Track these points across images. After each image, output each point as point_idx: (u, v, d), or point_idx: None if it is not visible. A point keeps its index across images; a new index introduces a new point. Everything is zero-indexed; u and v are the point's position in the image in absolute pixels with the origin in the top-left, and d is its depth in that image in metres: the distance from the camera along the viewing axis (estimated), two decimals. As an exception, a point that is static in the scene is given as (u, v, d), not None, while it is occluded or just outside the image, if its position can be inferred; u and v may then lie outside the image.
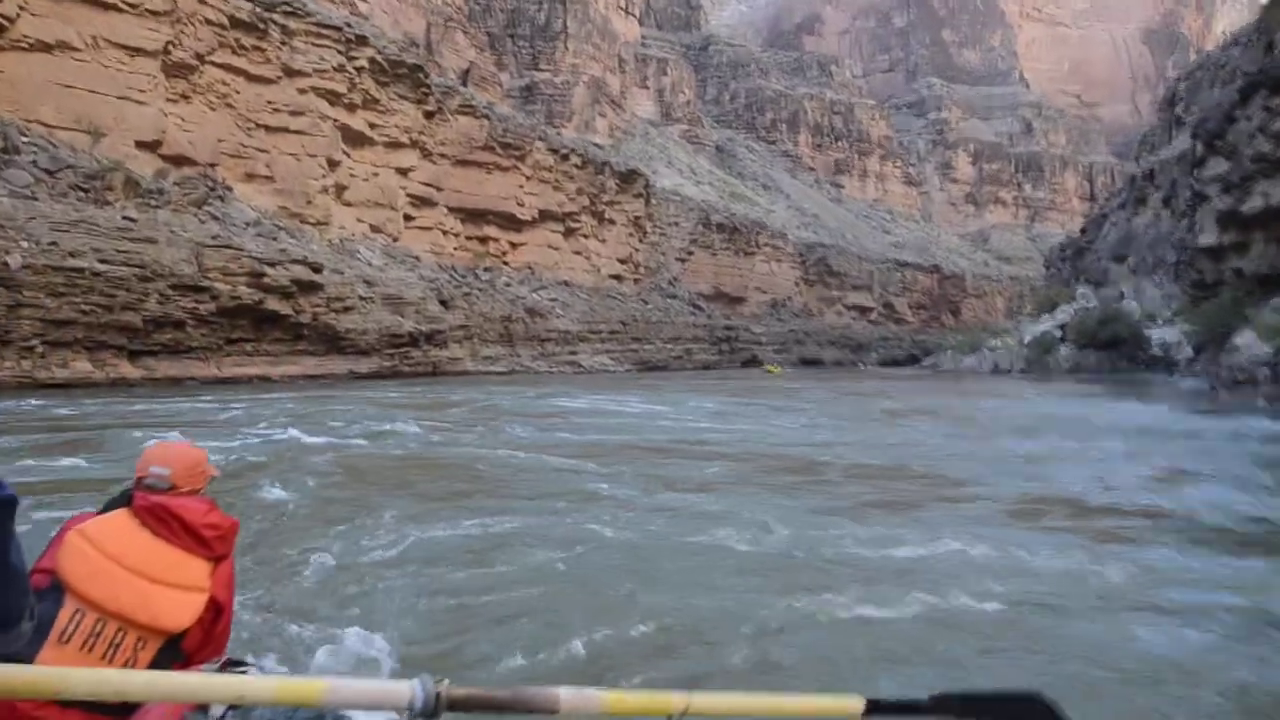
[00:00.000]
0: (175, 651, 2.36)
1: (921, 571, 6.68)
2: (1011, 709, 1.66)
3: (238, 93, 47.47)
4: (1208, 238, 49.31)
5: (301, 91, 50.28)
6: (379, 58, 55.44)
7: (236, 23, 46.88)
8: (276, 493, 9.82)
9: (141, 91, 42.37)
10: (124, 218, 34.51)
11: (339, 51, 52.49)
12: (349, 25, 54.61)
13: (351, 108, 53.56)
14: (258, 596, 5.81)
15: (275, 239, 41.23)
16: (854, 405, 28.08)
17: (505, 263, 67.14)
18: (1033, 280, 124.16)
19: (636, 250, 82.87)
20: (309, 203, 50.08)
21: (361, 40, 54.39)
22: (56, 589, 2.26)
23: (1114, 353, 57.94)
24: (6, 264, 28.44)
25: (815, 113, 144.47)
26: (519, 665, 4.82)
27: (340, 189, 52.98)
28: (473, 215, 64.92)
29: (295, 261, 39.32)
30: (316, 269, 40.28)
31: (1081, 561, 6.98)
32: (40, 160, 35.67)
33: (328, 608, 5.66)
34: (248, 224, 41.23)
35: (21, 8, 38.03)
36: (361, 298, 43.26)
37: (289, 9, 50.02)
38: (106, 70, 41.04)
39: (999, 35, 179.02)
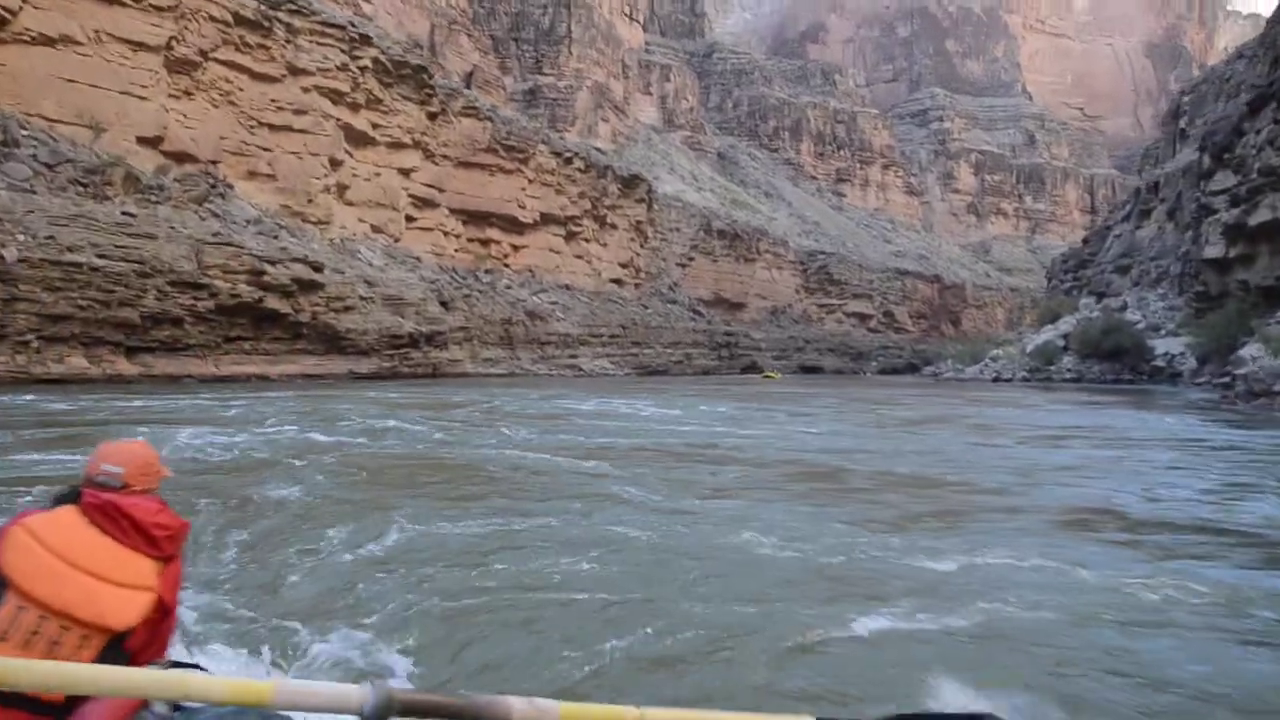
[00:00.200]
0: (118, 651, 2.30)
1: (967, 584, 6.32)
2: None
3: (241, 90, 47.18)
4: (1213, 250, 49.15)
5: (305, 90, 50.01)
6: (383, 58, 55.21)
7: (241, 20, 46.60)
8: (283, 491, 9.58)
9: (144, 87, 42.08)
10: (123, 213, 34.17)
11: (343, 51, 52.27)
12: (353, 25, 54.36)
13: (355, 107, 53.30)
14: (258, 594, 5.63)
15: (276, 237, 40.90)
16: (866, 412, 27.66)
17: (506, 265, 66.88)
18: (1033, 291, 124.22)
19: (637, 255, 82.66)
20: (310, 202, 49.79)
21: (365, 40, 54.15)
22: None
23: (1116, 363, 57.83)
24: (2, 257, 28.07)
25: (818, 121, 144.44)
26: (527, 672, 4.56)
27: (342, 188, 52.69)
28: (474, 217, 64.66)
29: (296, 260, 38.98)
30: (317, 268, 39.95)
31: (1139, 576, 6.60)
32: (40, 154, 35.34)
33: (330, 608, 5.48)
34: (249, 222, 40.91)
35: (24, 1, 37.72)
36: (362, 298, 42.93)
37: (293, 7, 49.76)
38: (109, 65, 40.76)
39: (1002, 46, 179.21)
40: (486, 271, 62.87)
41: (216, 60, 45.94)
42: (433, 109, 59.97)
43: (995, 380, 63.12)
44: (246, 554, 6.79)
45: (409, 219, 58.63)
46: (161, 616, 2.41)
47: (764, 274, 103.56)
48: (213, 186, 41.27)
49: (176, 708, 2.14)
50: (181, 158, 43.32)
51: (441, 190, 61.35)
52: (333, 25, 52.00)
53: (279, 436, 14.90)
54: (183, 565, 2.58)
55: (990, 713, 1.64)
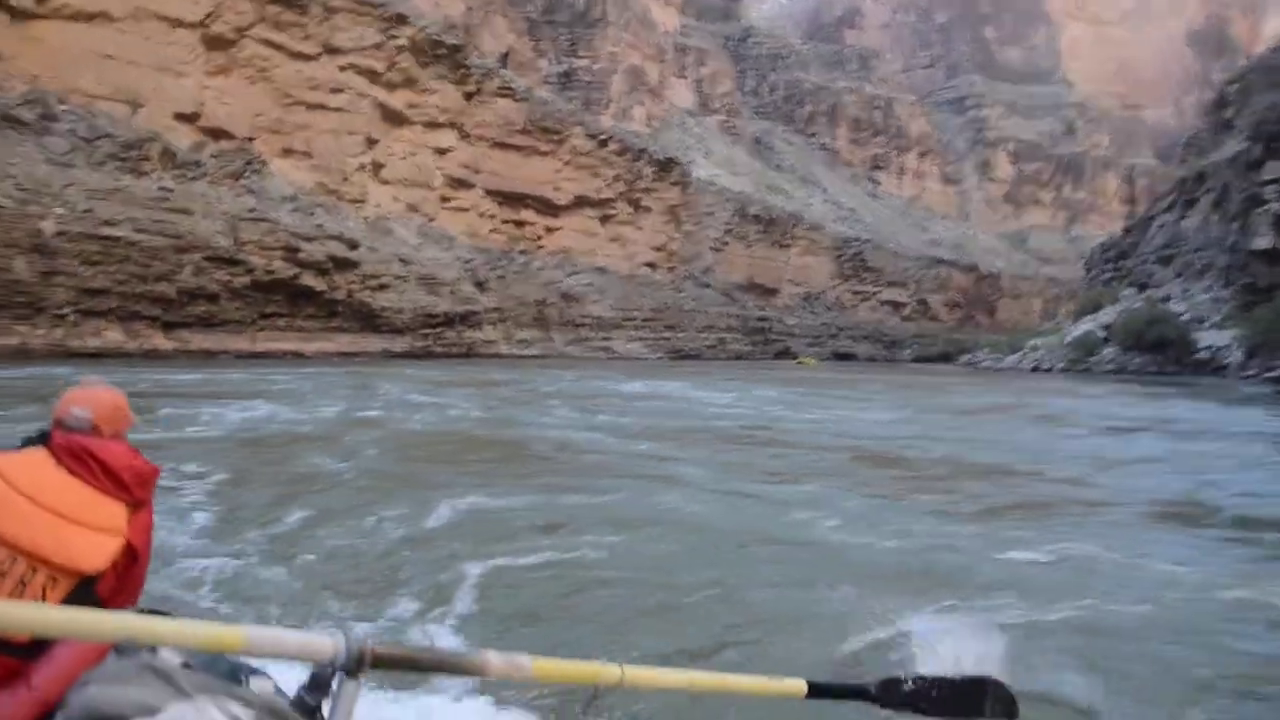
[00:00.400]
0: (87, 595, 2.25)
1: (1059, 577, 5.96)
2: (962, 695, 1.66)
3: (277, 68, 46.99)
4: (1263, 241, 47.95)
5: (341, 69, 49.78)
6: (419, 37, 54.84)
7: (277, -3, 46.38)
8: (334, 464, 9.51)
9: (181, 63, 42.00)
10: (160, 188, 34.09)
11: (379, 30, 51.99)
12: (389, 3, 53.99)
13: (390, 86, 52.99)
14: (309, 564, 5.59)
15: (311, 215, 40.74)
16: (918, 398, 26.99)
17: (540, 247, 66.44)
18: (1071, 282, 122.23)
19: (672, 239, 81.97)
20: (346, 180, 49.60)
21: (402, 19, 53.80)
22: None
23: (1159, 355, 56.56)
24: (41, 230, 27.99)
25: (854, 107, 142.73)
26: (579, 647, 4.35)
27: (377, 167, 52.47)
28: (509, 198, 64.21)
29: (331, 238, 38.81)
30: (352, 246, 39.77)
31: (1238, 575, 6.10)
32: (78, 129, 35.33)
33: (380, 580, 5.42)
34: (284, 199, 40.77)
35: (63, -25, 37.69)
36: (397, 276, 42.72)
37: (330, -15, 49.47)
38: (146, 41, 40.68)
39: (1042, 33, 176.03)
40: (521, 253, 62.52)
41: (252, 38, 45.75)
42: (468, 89, 59.56)
43: (1034, 370, 62.09)
44: (298, 525, 6.69)
45: (444, 199, 58.31)
46: (131, 562, 2.35)
47: (798, 260, 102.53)
48: (248, 163, 41.17)
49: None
50: (218, 134, 43.22)
51: (476, 171, 60.97)
52: (369, 4, 51.68)
53: (326, 412, 14.82)
54: (155, 513, 2.51)
55: (992, 677, 1.66)
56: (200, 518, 6.76)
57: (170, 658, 1.49)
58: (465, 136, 59.87)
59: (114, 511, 2.32)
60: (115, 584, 2.31)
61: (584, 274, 66.53)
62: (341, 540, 6.31)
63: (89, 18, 38.79)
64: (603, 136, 73.24)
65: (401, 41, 53.57)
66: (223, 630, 1.24)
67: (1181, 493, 9.99)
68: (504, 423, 14.56)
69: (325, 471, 9.06)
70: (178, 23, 41.77)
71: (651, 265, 77.83)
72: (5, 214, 27.60)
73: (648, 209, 77.92)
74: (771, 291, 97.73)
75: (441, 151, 57.71)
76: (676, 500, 8.08)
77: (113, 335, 29.72)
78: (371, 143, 51.73)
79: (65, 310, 28.45)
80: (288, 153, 47.29)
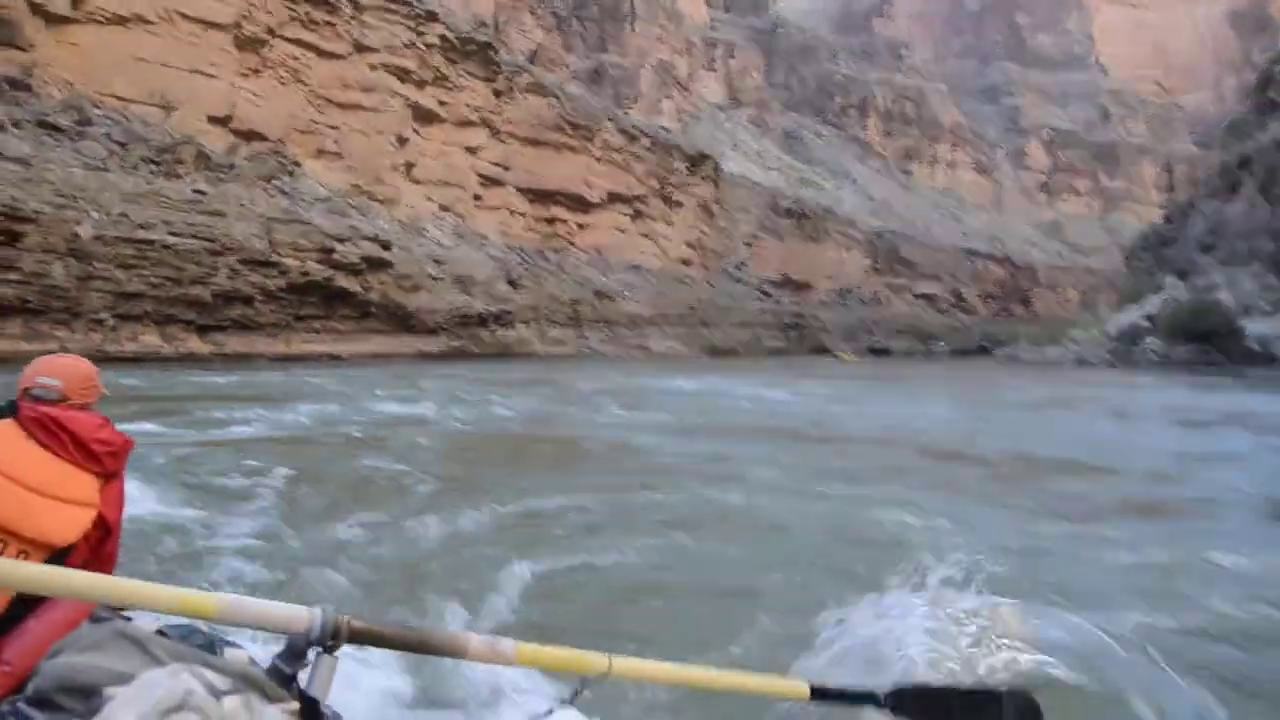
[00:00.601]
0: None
1: (1179, 581, 5.44)
2: (977, 706, 1.60)
3: (308, 68, 46.99)
4: (1315, 225, 46.59)
5: (372, 68, 49.69)
6: (449, 34, 54.68)
7: (307, -4, 46.32)
8: (388, 465, 9.39)
9: (213, 65, 42.02)
10: (194, 191, 34.01)
11: (409, 28, 51.85)
12: (419, 1, 53.78)
13: (421, 85, 52.83)
14: (369, 564, 5.49)
15: (345, 216, 40.60)
16: (971, 393, 26.21)
17: (572, 244, 66.07)
18: (1108, 272, 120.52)
19: (705, 234, 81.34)
20: (378, 180, 49.51)
21: (431, 16, 53.64)
22: None
23: (1206, 346, 55.26)
24: (77, 234, 27.89)
25: (885, 98, 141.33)
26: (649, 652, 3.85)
27: (409, 167, 52.33)
28: (541, 196, 63.89)
29: (365, 238, 38.60)
30: (386, 246, 39.55)
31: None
32: (113, 133, 35.39)
33: (440, 581, 5.26)
34: (317, 200, 40.64)
35: (97, -21, 37.78)
36: (430, 276, 42.50)
37: (359, -17, 49.35)
38: (179, 44, 40.74)
39: (1075, 19, 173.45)
40: (554, 250, 62.22)
41: (284, 38, 45.75)
42: (499, 86, 59.34)
43: (1078, 363, 60.93)
44: (350, 525, 6.54)
45: (476, 198, 58.11)
46: (104, 535, 2.34)
47: (832, 254, 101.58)
48: (281, 165, 41.08)
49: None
50: (250, 136, 43.23)
51: (508, 168, 60.70)
52: (399, 2, 51.58)
53: (371, 412, 14.66)
54: (127, 484, 2.46)
55: (1012, 687, 1.62)
56: (251, 519, 6.58)
57: (145, 625, 1.44)
58: (496, 134, 59.62)
59: (85, 483, 2.28)
60: (88, 557, 2.29)
61: (617, 271, 66.12)
62: (400, 543, 6.17)
63: (123, 21, 38.90)
64: (633, 132, 72.79)
65: (432, 39, 53.42)
66: (196, 596, 1.24)
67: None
68: (554, 421, 14.20)
69: (381, 472, 8.91)
70: (210, 24, 41.82)
71: (685, 261, 77.26)
72: (43, 219, 27.52)
73: (680, 204, 77.35)
74: (805, 286, 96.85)
75: (472, 150, 57.48)
76: (750, 499, 7.75)
77: (149, 339, 29.62)
78: (403, 142, 51.60)
79: (102, 314, 28.37)
80: (320, 153, 47.24)
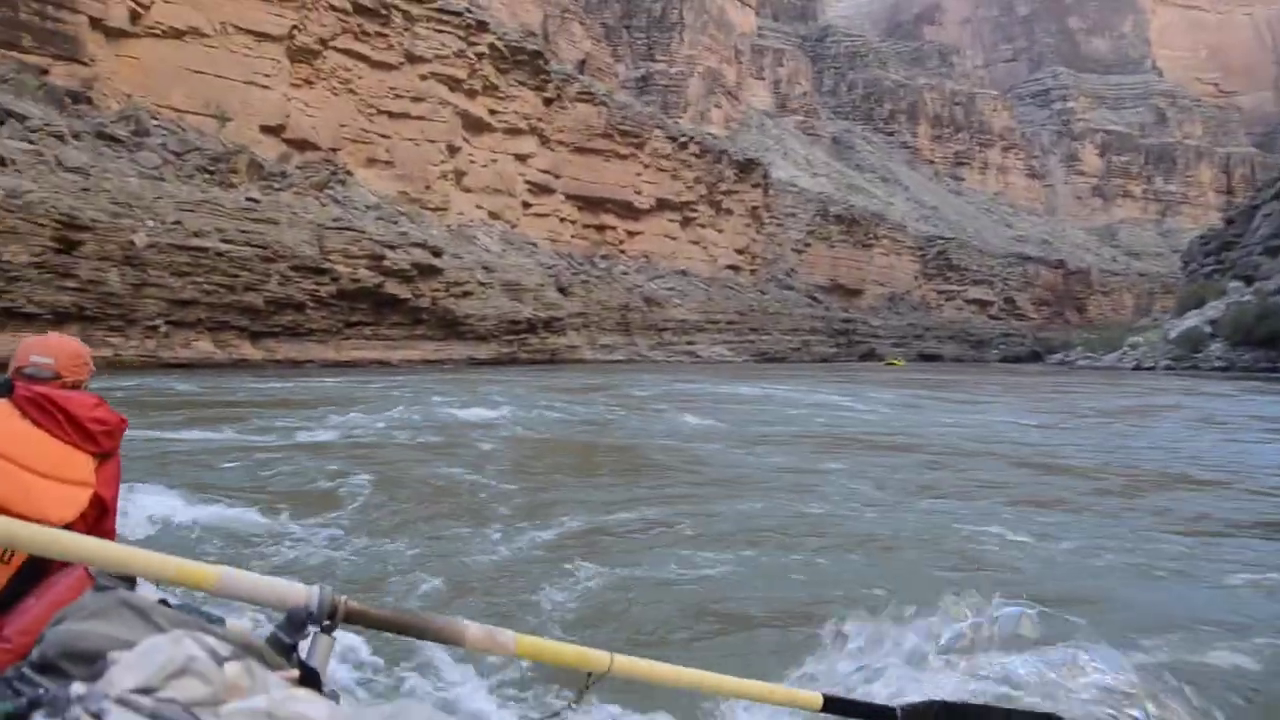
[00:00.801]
0: None
1: None
2: None
3: (360, 78, 47.32)
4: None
5: (422, 77, 49.94)
6: (499, 44, 54.82)
7: (359, 8, 46.69)
8: (450, 471, 9.25)
9: (266, 76, 42.46)
10: (247, 199, 34.23)
11: (459, 38, 52.04)
12: (470, 11, 53.96)
13: (471, 94, 52.98)
14: (434, 572, 5.32)
15: (395, 223, 40.69)
16: (1042, 400, 25.31)
17: (622, 251, 65.93)
18: (1164, 276, 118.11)
19: (754, 241, 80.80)
20: (428, 188, 49.71)
21: (482, 26, 53.80)
22: None
23: (1272, 351, 53.59)
24: (133, 242, 28.10)
25: (935, 104, 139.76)
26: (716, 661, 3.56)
27: (459, 175, 52.48)
28: (590, 203, 63.84)
29: (415, 245, 38.63)
30: (436, 253, 39.56)
31: None
32: (169, 143, 35.78)
33: (507, 590, 5.16)
34: (368, 208, 40.78)
35: (155, -5, 38.35)
36: (480, 283, 42.45)
37: (411, -6, 49.60)
38: (234, 56, 41.22)
39: (1130, 21, 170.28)
40: (603, 257, 62.11)
41: (336, 49, 46.11)
42: (548, 95, 59.38)
43: (1136, 369, 59.43)
44: (413, 532, 6.41)
45: (525, 205, 58.17)
46: (99, 515, 2.33)
47: (881, 260, 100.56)
48: (333, 173, 41.32)
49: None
50: (303, 145, 43.60)
51: (557, 176, 60.69)
52: (449, 12, 51.75)
53: (431, 418, 14.42)
54: (122, 463, 2.43)
55: (1046, 712, 1.58)
56: (332, 527, 6.47)
57: (148, 594, 1.43)
58: (545, 142, 59.65)
59: (80, 462, 2.27)
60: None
61: (666, 278, 65.83)
62: (456, 547, 6.05)
63: (180, 35, 39.42)
64: (682, 139, 72.48)
65: (482, 49, 53.58)
66: (196, 567, 1.25)
67: None
68: (615, 428, 13.83)
69: (456, 479, 8.76)
70: (264, 36, 42.28)
71: (734, 268, 76.78)
72: (100, 228, 27.78)
73: (729, 211, 76.89)
74: (855, 292, 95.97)
75: (522, 158, 57.54)
76: (845, 510, 7.34)
77: (202, 345, 29.79)
78: (453, 150, 51.74)
79: (156, 321, 28.56)
80: (371, 162, 47.52)
